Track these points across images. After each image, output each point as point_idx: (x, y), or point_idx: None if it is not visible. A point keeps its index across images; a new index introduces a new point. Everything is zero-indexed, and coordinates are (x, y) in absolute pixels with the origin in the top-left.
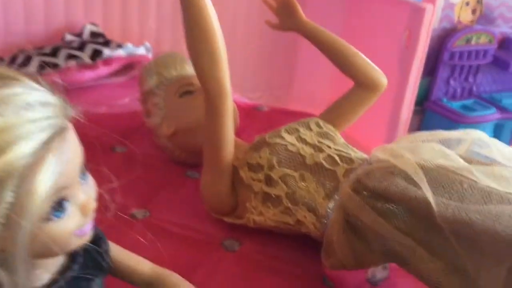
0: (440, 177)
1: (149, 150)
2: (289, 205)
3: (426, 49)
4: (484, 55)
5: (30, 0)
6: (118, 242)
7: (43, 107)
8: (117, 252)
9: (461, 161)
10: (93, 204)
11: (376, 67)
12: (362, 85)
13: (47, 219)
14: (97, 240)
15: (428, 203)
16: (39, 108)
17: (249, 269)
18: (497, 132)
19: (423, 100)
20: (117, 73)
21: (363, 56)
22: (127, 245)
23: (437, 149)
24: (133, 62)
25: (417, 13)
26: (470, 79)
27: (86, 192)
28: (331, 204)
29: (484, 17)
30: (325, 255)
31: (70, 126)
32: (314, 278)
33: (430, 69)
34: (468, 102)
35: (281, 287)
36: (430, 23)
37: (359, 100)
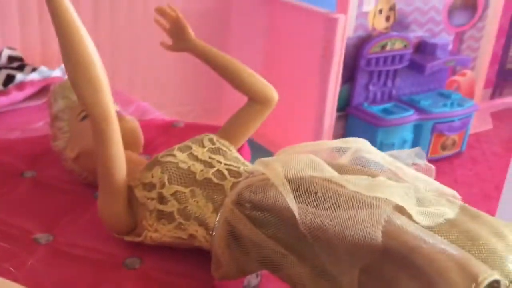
0: (303, 187)
1: (59, 173)
2: (181, 220)
3: (342, 58)
4: (401, 60)
5: None
6: (19, 267)
7: None
8: None
9: (326, 170)
10: None
11: (267, 83)
12: (255, 100)
13: None
14: None
15: (293, 212)
16: None
17: (148, 286)
18: (417, 132)
19: (346, 106)
20: (33, 96)
21: (253, 73)
22: (27, 270)
23: (307, 160)
24: (48, 85)
25: (330, 23)
26: (389, 83)
27: None
28: (217, 218)
29: (399, 23)
30: (214, 267)
31: None
32: None
33: (349, 76)
34: (388, 105)
35: None
36: (344, 32)
37: (253, 115)
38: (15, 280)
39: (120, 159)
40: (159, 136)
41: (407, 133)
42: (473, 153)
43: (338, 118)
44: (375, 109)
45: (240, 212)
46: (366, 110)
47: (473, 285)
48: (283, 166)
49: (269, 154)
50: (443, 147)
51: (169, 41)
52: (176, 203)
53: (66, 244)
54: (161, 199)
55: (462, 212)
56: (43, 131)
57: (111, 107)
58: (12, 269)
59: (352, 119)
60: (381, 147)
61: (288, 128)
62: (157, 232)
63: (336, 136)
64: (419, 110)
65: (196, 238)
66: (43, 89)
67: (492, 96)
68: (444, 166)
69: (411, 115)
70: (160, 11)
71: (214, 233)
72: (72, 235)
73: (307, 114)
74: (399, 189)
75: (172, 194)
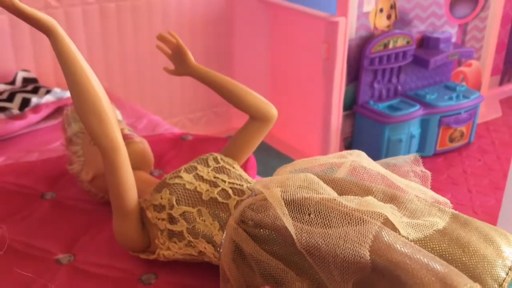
0: (298, 207)
1: (77, 194)
2: (191, 238)
3: (345, 59)
4: (404, 56)
5: None
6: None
7: None
8: None
9: (321, 188)
10: None
11: (266, 101)
12: (255, 118)
13: None
14: None
15: (290, 231)
16: None
17: None
18: (424, 127)
19: (352, 105)
20: (48, 117)
21: (252, 92)
22: None
23: (303, 180)
24: (63, 105)
25: (332, 26)
26: (394, 80)
27: None
28: (224, 236)
29: (401, 21)
30: (222, 282)
31: None
32: None
33: (354, 75)
34: (394, 101)
35: None
36: (345, 34)
37: (254, 132)
38: None
39: (130, 185)
40: (169, 150)
41: (414, 128)
42: (482, 143)
43: (346, 117)
44: (381, 106)
45: (243, 230)
46: (373, 108)
47: None
48: (281, 186)
49: (279, 155)
50: (451, 139)
51: (171, 65)
52: (185, 223)
53: (86, 262)
54: (171, 219)
55: (453, 220)
56: (60, 151)
57: (118, 137)
58: None
59: (359, 117)
60: (389, 143)
61: (297, 129)
62: (169, 250)
63: (345, 134)
64: (425, 104)
65: (205, 254)
66: (58, 110)
67: (501, 83)
68: (453, 158)
69: (417, 110)
70: (162, 38)
71: (221, 250)
72: (91, 254)
73: (315, 115)
74: (387, 208)
75: (180, 215)
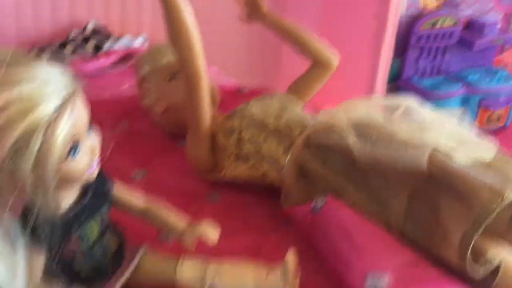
0: (361, 129)
1: (147, 126)
2: (256, 160)
3: (395, 34)
4: (450, 36)
5: (39, 1)
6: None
7: (57, 80)
8: (118, 189)
9: (378, 116)
10: (97, 149)
11: (329, 48)
12: (317, 63)
13: (65, 158)
14: (103, 180)
15: (352, 149)
16: (55, 81)
17: (227, 213)
18: (464, 106)
19: (396, 79)
20: (117, 63)
21: (317, 40)
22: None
23: (364, 109)
24: (131, 52)
25: (385, 3)
26: (438, 58)
27: (92, 141)
28: (287, 158)
29: (449, 3)
30: (284, 198)
31: (78, 94)
32: (279, 218)
33: (401, 51)
34: (437, 79)
35: (252, 224)
36: (397, 11)
37: (315, 77)
38: None
39: (206, 109)
40: (227, 100)
41: (455, 106)
42: None
43: (388, 89)
44: (425, 82)
45: (309, 151)
46: (416, 84)
47: (499, 199)
48: (345, 113)
49: None
50: (489, 121)
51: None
52: (251, 147)
53: (157, 178)
54: (239, 143)
55: (498, 156)
56: (129, 92)
57: (202, 67)
58: None
59: (402, 91)
60: None
61: (340, 98)
62: (235, 170)
63: None
64: (467, 84)
65: (268, 176)
66: (126, 57)
67: None
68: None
69: (458, 89)
70: None
71: (284, 171)
72: (162, 173)
73: (359, 85)
74: (444, 133)
75: (248, 139)
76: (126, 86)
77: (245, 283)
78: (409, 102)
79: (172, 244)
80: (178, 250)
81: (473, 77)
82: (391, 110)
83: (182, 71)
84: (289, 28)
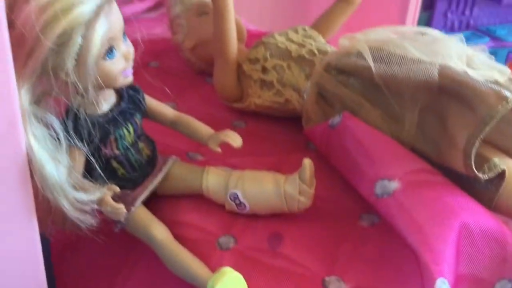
0: (377, 50)
1: (177, 65)
2: (279, 87)
3: None
4: None
5: None
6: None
7: None
8: (150, 100)
9: (395, 38)
10: (132, 55)
11: None
12: None
13: (103, 58)
14: (136, 89)
15: (370, 69)
16: None
17: (251, 138)
18: None
19: None
20: (150, 9)
21: None
22: None
23: (382, 33)
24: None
25: None
26: (467, 12)
27: (127, 46)
28: (309, 83)
29: None
30: (305, 121)
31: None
32: (300, 143)
33: (429, 3)
34: (466, 33)
35: (275, 149)
36: None
37: (338, 12)
38: None
39: (233, 36)
40: (253, 42)
41: None
42: None
43: None
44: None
45: (329, 75)
46: None
47: (503, 102)
48: (364, 36)
49: None
50: None
51: None
52: (275, 74)
53: (186, 109)
54: (264, 70)
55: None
56: (161, 35)
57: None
58: None
59: None
60: None
61: None
62: (260, 98)
63: None
64: (495, 38)
65: (290, 101)
66: (159, 3)
67: None
68: None
69: (486, 43)
70: None
71: (305, 95)
72: (190, 104)
73: None
74: (457, 52)
75: (272, 67)
76: (158, 30)
77: (265, 187)
78: (434, 33)
79: (199, 162)
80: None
81: (501, 31)
82: (409, 34)
83: (211, 5)
84: None
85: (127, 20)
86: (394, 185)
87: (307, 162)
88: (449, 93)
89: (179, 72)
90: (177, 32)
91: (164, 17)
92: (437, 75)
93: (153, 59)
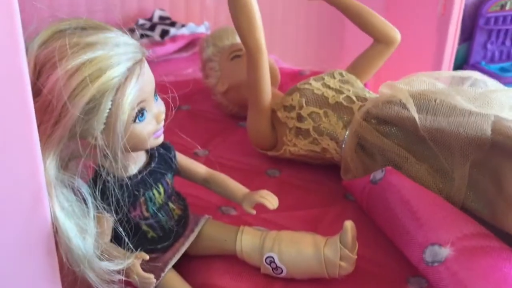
0: (423, 100)
1: (208, 108)
2: (316, 136)
3: (461, 16)
4: None
5: None
6: None
7: (127, 45)
8: (181, 158)
9: (441, 86)
10: (163, 116)
11: (390, 25)
12: (379, 40)
13: (133, 121)
14: (167, 147)
15: (414, 120)
16: (125, 46)
17: (286, 189)
18: None
19: (463, 64)
20: (181, 49)
21: (378, 16)
22: None
23: (427, 81)
24: (195, 39)
25: None
26: (507, 42)
27: (158, 107)
28: (347, 132)
29: None
30: (343, 172)
31: (145, 61)
32: (338, 193)
33: (468, 35)
34: (506, 64)
35: (311, 200)
36: None
37: (376, 54)
38: None
39: (267, 83)
40: (288, 82)
41: None
42: None
43: None
44: (493, 67)
45: (369, 125)
46: (484, 69)
47: None
48: (406, 84)
49: None
50: None
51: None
52: (311, 122)
53: (219, 157)
54: (299, 118)
55: None
56: (192, 76)
57: (263, 42)
58: None
59: None
60: None
61: None
62: (295, 146)
63: None
64: None
65: (327, 150)
66: (191, 43)
67: None
68: None
69: None
70: None
71: (344, 145)
72: (223, 151)
73: (423, 71)
74: (509, 104)
75: (308, 114)
76: (190, 70)
77: (303, 250)
78: (476, 74)
79: (232, 217)
80: (238, 223)
81: None
82: (456, 81)
83: (244, 47)
84: (352, 4)
85: (158, 62)
86: (446, 251)
87: (348, 225)
88: (503, 150)
89: (211, 115)
90: (210, 75)
91: (195, 56)
92: (490, 131)
93: (184, 102)
